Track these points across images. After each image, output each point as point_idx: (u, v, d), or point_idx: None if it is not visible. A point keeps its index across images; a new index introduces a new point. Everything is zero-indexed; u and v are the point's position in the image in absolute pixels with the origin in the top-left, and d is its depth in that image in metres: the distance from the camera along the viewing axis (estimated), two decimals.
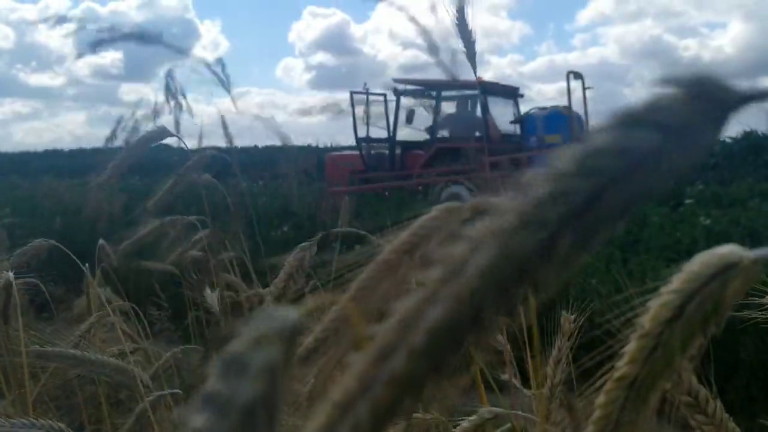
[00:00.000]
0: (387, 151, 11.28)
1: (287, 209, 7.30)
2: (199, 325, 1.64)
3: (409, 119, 11.44)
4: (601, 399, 0.22)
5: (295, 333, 0.14)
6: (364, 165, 10.58)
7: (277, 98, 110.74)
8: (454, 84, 11.33)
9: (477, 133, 11.56)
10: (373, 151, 11.00)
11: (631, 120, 0.13)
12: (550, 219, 0.14)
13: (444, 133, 11.15)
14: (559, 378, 0.46)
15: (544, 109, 11.77)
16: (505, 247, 0.14)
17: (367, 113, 10.98)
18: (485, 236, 0.14)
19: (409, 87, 11.35)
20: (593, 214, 0.14)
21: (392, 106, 11.26)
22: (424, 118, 10.89)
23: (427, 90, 11.18)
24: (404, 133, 11.72)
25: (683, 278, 0.22)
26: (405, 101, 11.38)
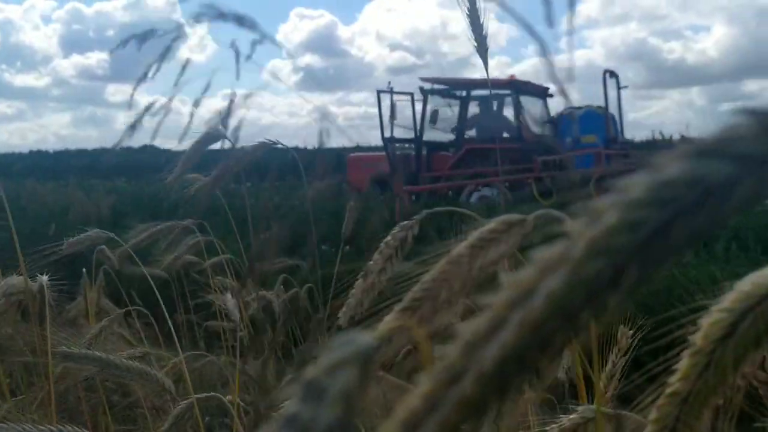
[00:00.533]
0: (413, 152, 11.07)
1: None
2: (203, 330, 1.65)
3: (434, 120, 11.13)
4: (653, 415, 0.22)
5: (371, 357, 0.14)
6: (390, 166, 10.35)
7: (264, 100, 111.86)
8: (484, 83, 11.12)
9: (505, 134, 11.30)
10: (398, 152, 10.83)
11: (704, 150, 0.13)
12: (620, 248, 0.14)
13: (471, 133, 11.01)
14: (612, 392, 0.46)
15: (578, 108, 11.44)
16: (575, 274, 0.14)
17: (392, 113, 10.63)
18: (555, 262, 0.14)
19: (436, 86, 11.16)
20: (663, 243, 0.14)
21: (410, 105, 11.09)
22: (448, 118, 10.80)
23: (453, 89, 11.08)
24: (428, 134, 11.54)
25: (736, 297, 0.22)
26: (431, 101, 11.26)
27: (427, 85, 10.99)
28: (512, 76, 10.99)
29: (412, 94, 11.10)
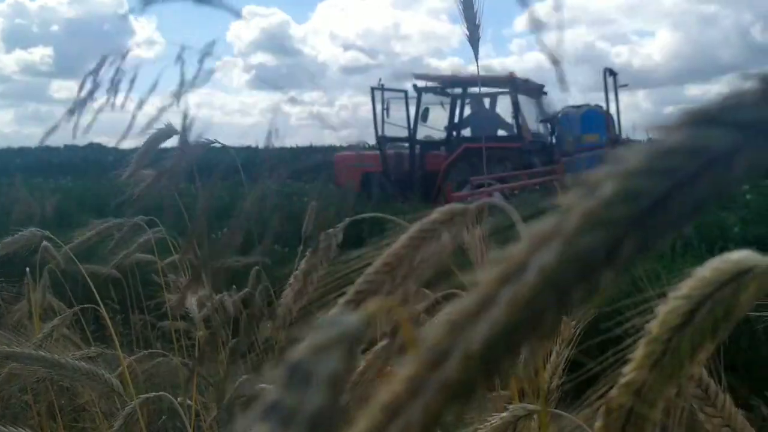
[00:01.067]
0: (406, 151, 10.86)
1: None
2: (152, 329, 1.61)
3: (425, 117, 10.90)
4: (606, 406, 0.22)
5: (356, 340, 0.13)
6: (384, 165, 10.19)
7: (215, 98, 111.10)
8: (483, 80, 11.00)
9: (502, 133, 11.10)
10: (391, 151, 10.49)
11: (704, 117, 0.13)
12: (616, 220, 0.13)
13: (465, 132, 10.74)
14: (556, 385, 0.46)
15: (577, 107, 11.43)
16: (569, 248, 0.13)
17: (386, 111, 10.26)
18: (548, 235, 0.14)
19: (430, 84, 10.82)
20: (662, 215, 0.13)
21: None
22: (439, 116, 10.67)
23: (447, 87, 10.73)
24: (421, 132, 11.36)
25: (693, 284, 0.21)
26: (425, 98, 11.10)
27: (421, 83, 10.73)
28: (512, 73, 10.82)
29: (405, 92, 10.92)
